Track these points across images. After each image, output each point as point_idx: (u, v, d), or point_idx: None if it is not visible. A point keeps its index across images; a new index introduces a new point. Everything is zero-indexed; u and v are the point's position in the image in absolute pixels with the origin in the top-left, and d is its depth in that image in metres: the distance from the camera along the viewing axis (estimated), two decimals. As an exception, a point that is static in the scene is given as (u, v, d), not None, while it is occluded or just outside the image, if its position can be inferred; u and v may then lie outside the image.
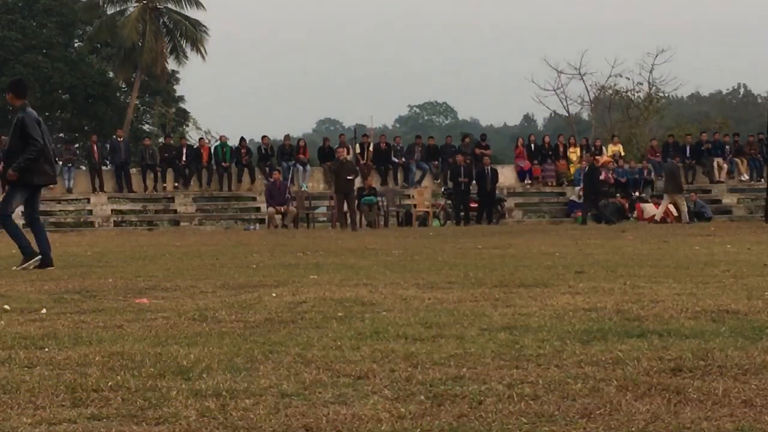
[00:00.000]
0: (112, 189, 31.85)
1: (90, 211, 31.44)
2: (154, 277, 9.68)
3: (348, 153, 29.16)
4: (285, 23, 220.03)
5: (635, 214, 31.10)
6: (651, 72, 47.27)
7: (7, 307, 7.11)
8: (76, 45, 54.57)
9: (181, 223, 31.13)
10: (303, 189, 31.98)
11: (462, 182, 29.99)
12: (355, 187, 27.11)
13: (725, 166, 34.56)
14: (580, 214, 31.13)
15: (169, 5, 50.58)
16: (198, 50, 50.78)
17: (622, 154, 35.60)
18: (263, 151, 33.42)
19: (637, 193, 32.23)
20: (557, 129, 54.00)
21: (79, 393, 4.00)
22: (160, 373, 4.40)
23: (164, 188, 32.25)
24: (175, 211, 32.04)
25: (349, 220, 26.25)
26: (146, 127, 55.76)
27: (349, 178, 26.07)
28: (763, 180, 33.37)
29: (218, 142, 33.85)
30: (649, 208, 30.46)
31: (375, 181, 31.04)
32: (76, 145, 38.90)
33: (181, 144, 34.05)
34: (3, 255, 13.45)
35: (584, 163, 32.84)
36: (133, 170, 32.59)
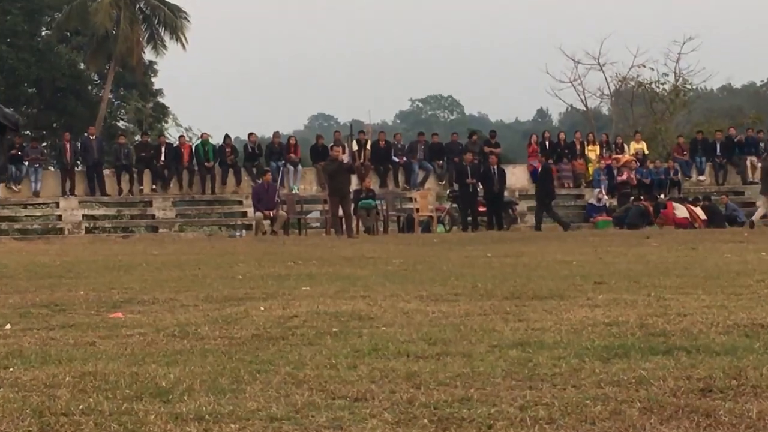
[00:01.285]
0: (83, 192, 31.82)
1: (59, 217, 31.40)
2: (130, 290, 9.67)
3: (344, 152, 29.16)
4: (274, 9, 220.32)
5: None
6: (678, 62, 47.30)
7: (-33, 322, 7.11)
8: (43, 33, 54.56)
9: (160, 230, 31.13)
10: (294, 191, 31.99)
11: (469, 184, 29.95)
12: (351, 190, 27.11)
13: (759, 164, 34.56)
14: (600, 218, 31.16)
15: (147, -11, 50.65)
16: (178, 39, 50.82)
17: (646, 152, 35.63)
18: (250, 150, 33.44)
19: (662, 196, 32.22)
20: (574, 125, 54.11)
21: (47, 417, 4.00)
22: (136, 395, 4.40)
23: (141, 191, 32.22)
24: (153, 217, 32.04)
25: (344, 226, 26.24)
26: (121, 123, 55.77)
27: (344, 179, 26.06)
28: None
29: (200, 140, 33.86)
30: (683, 209, 30.41)
31: (373, 183, 31.05)
32: (44, 144, 38.91)
33: (159, 142, 34.04)
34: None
35: (603, 162, 32.88)
36: (106, 171, 32.55)
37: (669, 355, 5.23)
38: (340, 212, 26.44)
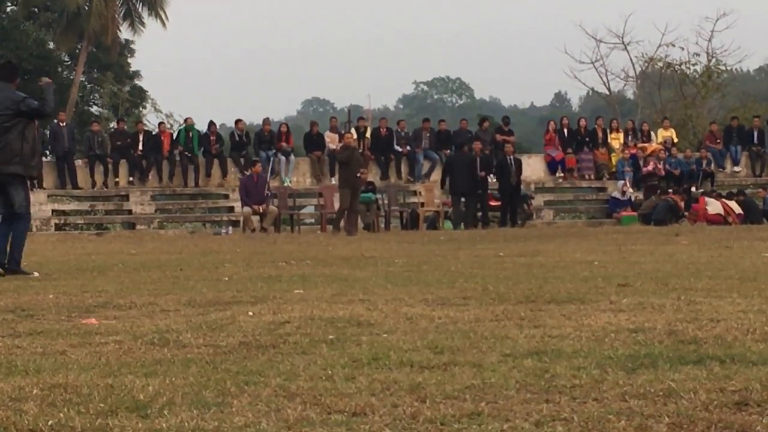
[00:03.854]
0: (52, 185, 31.82)
1: (26, 212, 31.43)
2: (105, 293, 9.68)
3: (340, 141, 29.17)
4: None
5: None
6: (710, 41, 47.48)
7: (-75, 329, 7.12)
8: (8, 9, 54.60)
9: (138, 226, 31.16)
10: (286, 184, 32.00)
11: (480, 176, 29.94)
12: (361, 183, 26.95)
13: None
14: (624, 213, 31.16)
15: (122, -39, 50.67)
16: (157, 15, 50.86)
17: (675, 140, 35.65)
18: (237, 139, 33.45)
19: (694, 188, 32.22)
20: (596, 110, 54.08)
21: (13, 434, 4.01)
22: (111, 410, 4.40)
23: (116, 184, 32.26)
24: (130, 212, 32.06)
25: (342, 223, 26.21)
26: (94, 109, 55.84)
27: (357, 170, 25.93)
28: None
29: (183, 126, 33.87)
30: (716, 205, 30.37)
31: (374, 175, 31.07)
32: (9, 132, 38.92)
33: (137, 130, 34.06)
34: None
35: (627, 152, 32.86)
36: (78, 162, 32.57)
37: (701, 365, 5.24)
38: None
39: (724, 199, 30.92)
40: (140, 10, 50.98)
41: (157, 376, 5.15)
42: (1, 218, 12.80)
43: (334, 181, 29.72)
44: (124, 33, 52.41)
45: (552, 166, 34.15)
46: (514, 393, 4.66)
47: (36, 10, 54.02)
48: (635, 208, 31.65)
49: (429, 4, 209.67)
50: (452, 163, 30.21)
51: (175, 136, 33.28)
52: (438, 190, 31.90)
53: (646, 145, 34.17)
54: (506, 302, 8.27)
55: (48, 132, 32.90)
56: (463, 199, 29.88)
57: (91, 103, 56.77)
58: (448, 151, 33.10)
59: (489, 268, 12.48)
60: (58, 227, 30.97)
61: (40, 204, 31.28)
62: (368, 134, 32.71)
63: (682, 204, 30.82)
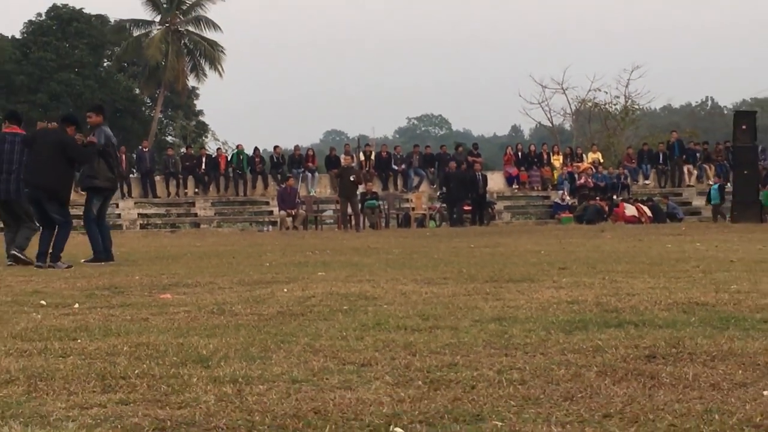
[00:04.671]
0: (138, 195, 31.85)
1: (119, 215, 31.40)
2: (177, 275, 9.68)
3: (352, 161, 29.16)
4: (294, 43, 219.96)
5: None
6: (627, 86, 47.29)
7: (43, 302, 7.11)
8: (105, 64, 54.58)
9: (201, 226, 31.11)
10: (311, 194, 31.99)
11: (455, 187, 29.94)
12: (358, 192, 27.10)
13: (695, 171, 34.56)
14: (563, 215, 31.11)
15: (190, 27, 50.64)
16: (216, 68, 50.82)
17: (601, 161, 35.57)
18: (275, 160, 33.45)
19: (615, 196, 32.18)
20: (542, 138, 53.84)
21: (109, 380, 4.00)
22: (181, 362, 4.39)
23: (185, 194, 32.24)
24: (196, 215, 32.03)
25: (353, 222, 26.24)
26: (169, 138, 55.81)
27: (352, 180, 25.99)
28: (728, 184, 33.33)
29: (236, 150, 33.84)
30: (632, 209, 30.38)
31: (377, 187, 31.02)
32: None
33: (200, 153, 34.06)
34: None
35: (565, 169, 32.86)
36: (157, 177, 32.57)
37: (620, 328, 5.22)
38: (349, 211, 26.47)
39: (638, 204, 30.89)
40: (203, 64, 50.94)
41: (215, 337, 5.14)
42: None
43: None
44: (191, 81, 52.40)
45: (509, 180, 34.14)
46: (481, 349, 4.65)
47: (126, 64, 54.02)
48: (571, 211, 31.60)
49: (419, 59, 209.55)
50: (449, 178, 30.22)
51: (229, 158, 33.27)
52: (425, 198, 31.92)
53: (579, 164, 34.13)
54: (475, 281, 8.25)
55: (135, 156, 32.83)
56: (444, 204, 29.85)
57: (166, 134, 56.73)
58: (433, 169, 33.21)
59: (463, 256, 12.47)
60: (142, 226, 30.93)
61: (129, 209, 31.30)
62: (373, 156, 32.83)
63: (607, 208, 30.79)
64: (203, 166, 32.43)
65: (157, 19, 49.87)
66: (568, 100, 49.12)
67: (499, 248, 14.46)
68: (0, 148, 12.35)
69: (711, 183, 33.09)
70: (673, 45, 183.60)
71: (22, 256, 11.94)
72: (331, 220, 31.99)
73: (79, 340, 5.12)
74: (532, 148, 35.35)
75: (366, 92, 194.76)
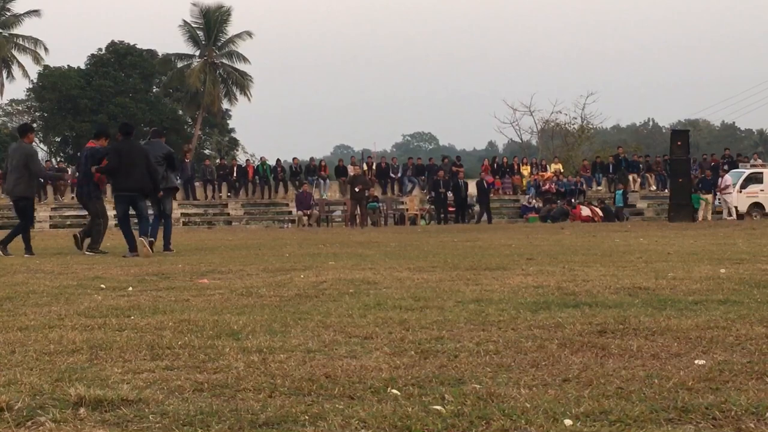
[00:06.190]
0: (181, 198, 31.82)
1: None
2: (212, 263, 9.68)
3: (360, 171, 29.22)
4: (309, 71, 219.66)
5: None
6: (583, 109, 47.36)
7: (102, 286, 7.11)
8: (154, 90, 54.58)
9: (233, 223, 31.08)
10: (323, 197, 32.00)
11: (442, 192, 29.98)
12: (366, 196, 27.07)
13: (638, 179, 34.55)
14: (530, 216, 31.09)
15: (224, 60, 50.65)
16: (245, 94, 50.85)
17: (562, 171, 35.57)
18: (294, 169, 33.47)
19: (573, 200, 32.17)
20: (513, 152, 53.94)
21: (157, 350, 4.01)
22: (217, 335, 4.40)
23: (220, 197, 32.24)
24: (228, 214, 32.00)
25: (359, 220, 26.23)
26: (206, 151, 55.74)
27: (360, 188, 25.98)
28: (666, 190, 33.34)
29: (261, 162, 33.83)
30: (587, 210, 30.42)
31: (377, 191, 31.00)
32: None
33: (232, 164, 34.07)
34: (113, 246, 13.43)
35: (532, 177, 32.84)
36: (197, 183, 32.56)
37: (577, 308, 5.23)
38: (357, 211, 26.45)
39: (592, 206, 30.88)
40: (234, 90, 50.95)
41: (245, 315, 5.14)
42: (155, 216, 12.80)
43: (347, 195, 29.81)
44: (225, 104, 52.35)
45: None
46: (463, 325, 4.65)
47: (171, 90, 53.97)
48: (537, 212, 31.59)
49: (412, 85, 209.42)
50: (437, 184, 30.21)
51: (255, 168, 33.26)
52: (417, 200, 31.88)
53: (544, 173, 34.12)
54: (458, 269, 8.26)
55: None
56: (433, 206, 29.80)
57: (204, 148, 56.65)
58: (423, 177, 33.21)
59: (448, 249, 12.47)
60: (184, 224, 30.89)
61: (174, 210, 31.21)
62: (374, 167, 32.80)
63: (567, 209, 30.76)
64: (235, 174, 32.44)
65: (197, 53, 49.92)
66: (534, 120, 49.17)
67: (478, 242, 14.46)
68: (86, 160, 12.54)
69: (651, 189, 33.07)
70: (621, 72, 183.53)
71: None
72: (340, 219, 31.96)
73: (132, 317, 5.13)
74: (505, 160, 35.34)
75: (368, 110, 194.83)
